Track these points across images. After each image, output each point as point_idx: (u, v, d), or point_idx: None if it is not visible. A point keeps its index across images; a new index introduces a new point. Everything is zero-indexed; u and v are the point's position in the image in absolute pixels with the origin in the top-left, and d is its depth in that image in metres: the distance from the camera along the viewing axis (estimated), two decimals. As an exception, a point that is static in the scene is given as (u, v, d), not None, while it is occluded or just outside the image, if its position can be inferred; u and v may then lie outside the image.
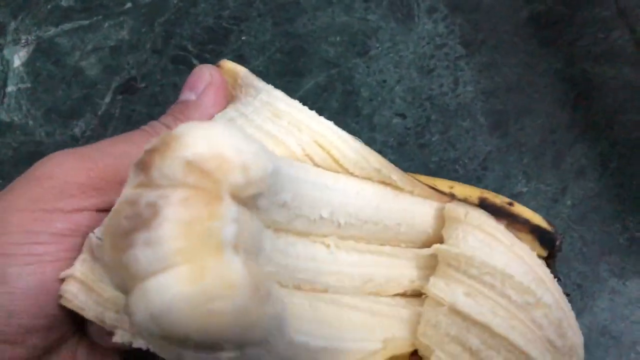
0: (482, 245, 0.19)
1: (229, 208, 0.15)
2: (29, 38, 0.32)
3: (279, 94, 0.21)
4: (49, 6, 0.32)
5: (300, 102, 0.26)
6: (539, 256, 0.21)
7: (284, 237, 0.20)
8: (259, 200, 0.16)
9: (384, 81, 0.27)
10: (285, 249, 0.20)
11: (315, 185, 0.20)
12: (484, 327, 0.19)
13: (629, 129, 0.25)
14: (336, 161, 0.21)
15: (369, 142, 0.24)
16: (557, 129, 0.25)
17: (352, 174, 0.21)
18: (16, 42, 0.32)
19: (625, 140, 0.25)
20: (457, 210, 0.20)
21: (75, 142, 0.28)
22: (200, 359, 0.16)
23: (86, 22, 0.31)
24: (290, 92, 0.26)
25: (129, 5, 0.31)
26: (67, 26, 0.32)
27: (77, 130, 0.29)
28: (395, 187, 0.21)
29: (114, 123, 0.28)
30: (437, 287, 0.19)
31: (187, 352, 0.16)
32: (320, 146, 0.21)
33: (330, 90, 0.27)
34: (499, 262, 0.19)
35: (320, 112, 0.26)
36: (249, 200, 0.16)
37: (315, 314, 0.21)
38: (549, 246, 0.21)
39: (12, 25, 0.32)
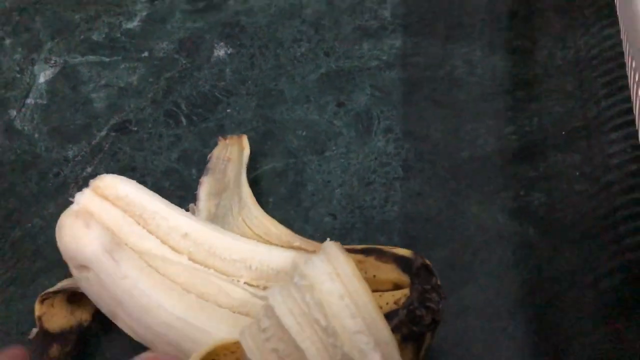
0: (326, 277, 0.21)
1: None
2: (58, 60, 0.36)
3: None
4: (82, 37, 0.36)
5: (254, 181, 0.29)
6: (402, 285, 0.23)
7: None
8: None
9: (329, 182, 0.30)
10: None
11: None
12: (301, 353, 0.21)
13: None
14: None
15: (299, 231, 0.27)
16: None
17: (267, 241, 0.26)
18: (47, 61, 0.36)
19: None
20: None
21: (66, 162, 0.32)
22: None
23: (107, 59, 0.35)
24: (250, 168, 0.30)
25: (145, 54, 0.35)
26: (90, 58, 0.36)
27: (70, 153, 0.32)
28: (299, 248, 0.25)
29: (101, 156, 0.32)
30: (275, 298, 0.21)
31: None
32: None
33: (283, 177, 0.30)
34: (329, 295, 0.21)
35: (268, 195, 0.30)
36: None
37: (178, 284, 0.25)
38: (408, 270, 0.23)
39: (48, 45, 0.36)
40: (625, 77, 0.29)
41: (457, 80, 0.31)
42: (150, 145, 0.32)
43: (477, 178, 0.29)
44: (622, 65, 0.30)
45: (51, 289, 0.26)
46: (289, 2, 0.35)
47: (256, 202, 0.27)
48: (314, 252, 0.24)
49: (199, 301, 0.24)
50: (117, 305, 0.24)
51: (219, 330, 0.24)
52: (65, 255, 0.24)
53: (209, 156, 0.30)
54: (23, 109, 0.34)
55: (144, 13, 0.36)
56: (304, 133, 0.31)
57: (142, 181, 0.30)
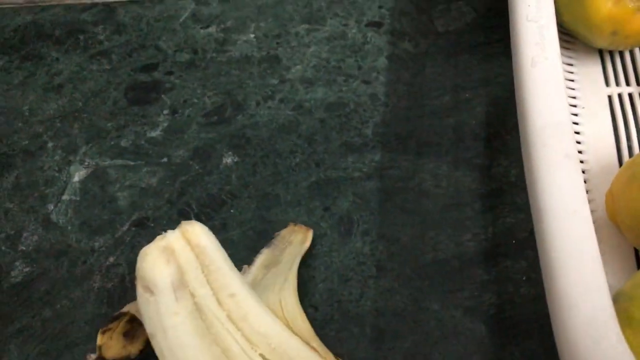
0: None
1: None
2: (91, 162, 0.41)
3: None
4: (112, 142, 0.42)
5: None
6: None
7: None
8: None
9: (313, 277, 0.34)
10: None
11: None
12: None
13: None
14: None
15: (286, 321, 0.32)
16: None
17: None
18: (81, 162, 0.41)
19: None
20: None
21: (92, 252, 0.37)
22: None
23: (132, 163, 0.41)
24: (247, 261, 0.34)
25: (165, 159, 0.41)
26: (118, 162, 0.41)
27: (96, 244, 0.37)
28: (313, 349, 0.29)
29: (123, 247, 0.37)
30: None
31: None
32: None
33: (274, 271, 0.35)
34: None
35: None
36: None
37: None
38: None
39: (83, 149, 0.42)
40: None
41: (425, 191, 0.36)
42: (164, 239, 0.37)
43: (438, 278, 0.33)
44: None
45: (115, 313, 0.32)
46: (287, 119, 0.40)
47: (296, 290, 0.32)
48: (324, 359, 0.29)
49: (221, 356, 0.28)
50: (161, 330, 0.28)
51: None
52: (139, 275, 0.29)
53: (275, 234, 0.35)
54: (59, 204, 0.39)
55: (166, 124, 0.42)
56: (294, 233, 0.36)
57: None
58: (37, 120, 0.43)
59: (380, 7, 0.44)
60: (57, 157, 0.41)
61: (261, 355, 0.29)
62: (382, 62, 0.41)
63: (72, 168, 0.41)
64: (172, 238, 0.29)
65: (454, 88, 0.39)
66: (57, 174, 0.40)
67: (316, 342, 0.30)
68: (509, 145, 0.37)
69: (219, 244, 0.30)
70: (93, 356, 0.31)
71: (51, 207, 0.39)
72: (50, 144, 0.42)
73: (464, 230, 0.34)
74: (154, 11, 0.48)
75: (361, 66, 0.41)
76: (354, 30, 0.43)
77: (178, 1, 0.48)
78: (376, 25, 0.43)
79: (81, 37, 0.47)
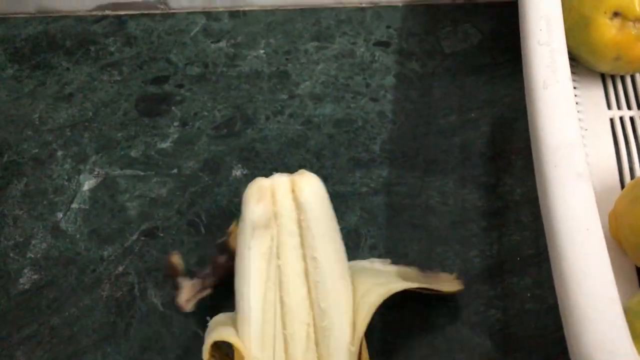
0: None
1: None
2: (100, 172, 0.41)
3: None
4: (122, 153, 0.42)
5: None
6: None
7: None
8: None
9: (322, 290, 0.35)
10: None
11: None
12: None
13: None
14: None
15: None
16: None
17: None
18: (91, 172, 0.41)
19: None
20: None
21: (102, 261, 0.37)
22: None
23: (142, 173, 0.41)
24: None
25: (175, 170, 0.41)
26: (128, 171, 0.41)
27: (105, 253, 0.37)
28: None
29: (132, 257, 0.37)
30: None
31: None
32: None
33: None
34: None
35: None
36: None
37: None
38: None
39: (93, 158, 0.42)
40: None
41: (432, 208, 0.36)
42: (174, 248, 0.37)
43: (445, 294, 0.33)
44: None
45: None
46: (296, 134, 0.41)
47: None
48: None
49: (270, 307, 0.29)
50: (238, 255, 0.30)
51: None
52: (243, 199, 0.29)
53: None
54: (68, 213, 0.39)
55: (176, 135, 0.42)
56: (302, 246, 0.36)
57: (163, 281, 0.35)
58: (47, 129, 0.44)
59: (388, 27, 0.45)
60: (66, 166, 0.41)
61: (307, 325, 0.30)
62: (389, 80, 0.42)
63: (81, 177, 0.41)
64: (278, 181, 0.29)
65: (461, 108, 0.40)
66: (66, 183, 0.41)
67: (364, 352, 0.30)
68: (514, 165, 0.37)
69: (330, 208, 0.30)
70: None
71: (60, 215, 0.39)
72: (60, 153, 0.42)
73: (471, 246, 0.35)
74: (164, 25, 0.48)
75: (369, 84, 0.42)
76: (362, 49, 0.44)
77: (189, 15, 0.49)
78: (384, 44, 0.44)
79: (92, 48, 0.48)
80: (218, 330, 0.30)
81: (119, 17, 0.49)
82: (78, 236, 0.38)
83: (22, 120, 0.44)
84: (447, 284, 0.33)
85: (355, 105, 0.41)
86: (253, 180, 0.29)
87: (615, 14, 0.34)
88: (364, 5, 0.46)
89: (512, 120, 0.39)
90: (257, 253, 0.29)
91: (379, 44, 0.44)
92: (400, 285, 0.31)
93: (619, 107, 0.38)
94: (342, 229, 0.36)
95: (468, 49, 0.42)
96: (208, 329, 0.31)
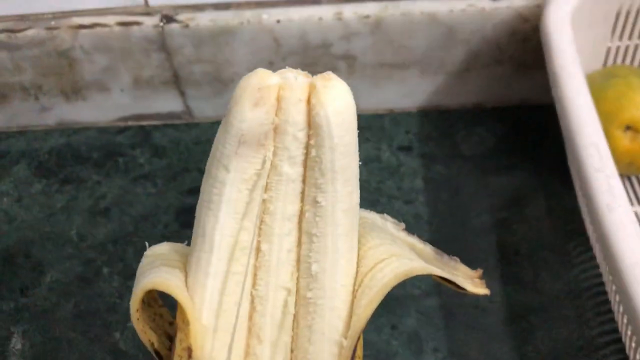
0: None
1: None
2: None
3: None
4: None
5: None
6: None
7: None
8: None
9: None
10: None
11: None
12: None
13: None
14: None
15: None
16: None
17: None
18: (142, 288, 0.42)
19: None
20: None
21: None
22: None
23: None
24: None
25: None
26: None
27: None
28: None
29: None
30: None
31: None
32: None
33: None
34: None
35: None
36: None
37: None
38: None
39: (142, 274, 0.43)
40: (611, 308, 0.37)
41: (482, 307, 0.39)
42: None
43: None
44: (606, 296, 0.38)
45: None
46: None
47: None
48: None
49: (240, 248, 0.22)
50: (207, 172, 0.23)
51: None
52: (233, 96, 0.21)
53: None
54: (126, 332, 0.39)
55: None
56: (366, 352, 0.38)
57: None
58: (87, 246, 0.44)
59: (407, 132, 0.48)
60: (115, 283, 0.42)
61: (287, 291, 0.23)
62: (419, 183, 0.45)
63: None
64: (290, 81, 0.21)
65: (490, 208, 0.43)
66: (118, 301, 0.41)
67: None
68: (549, 260, 0.41)
69: (356, 137, 0.22)
70: None
71: (118, 335, 0.39)
72: (105, 270, 0.42)
73: (524, 342, 0.37)
74: (190, 134, 0.50)
75: (400, 187, 0.45)
76: (387, 154, 0.47)
77: (213, 125, 0.50)
78: (406, 149, 0.47)
79: (120, 160, 0.49)
80: (157, 272, 0.23)
81: (142, 127, 0.51)
82: (141, 355, 0.38)
83: (60, 238, 0.44)
84: (469, 281, 0.28)
85: (390, 208, 0.44)
86: (253, 72, 0.21)
87: (628, 127, 0.39)
88: (380, 112, 0.49)
89: (538, 218, 0.43)
90: (237, 178, 0.21)
91: (401, 148, 0.47)
92: (421, 267, 0.24)
93: (631, 204, 0.42)
94: (402, 333, 0.38)
95: (485, 152, 0.46)
96: (142, 266, 0.24)
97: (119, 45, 0.45)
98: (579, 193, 0.38)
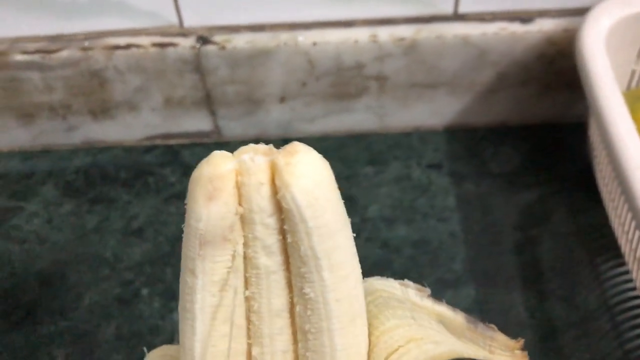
0: None
1: None
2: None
3: None
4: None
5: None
6: None
7: None
8: None
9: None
10: None
11: None
12: None
13: None
14: None
15: None
16: None
17: None
18: (184, 309, 0.42)
19: None
20: None
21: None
22: None
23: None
24: None
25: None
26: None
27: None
28: None
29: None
30: None
31: None
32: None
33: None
34: None
35: None
36: None
37: None
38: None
39: (182, 294, 0.43)
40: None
41: (523, 322, 0.40)
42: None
43: (557, 404, 0.37)
44: None
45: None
46: (378, 257, 0.44)
47: None
48: None
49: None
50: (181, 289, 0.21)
51: None
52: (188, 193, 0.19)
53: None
54: (171, 353, 0.40)
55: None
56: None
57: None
58: (124, 267, 0.44)
59: (435, 150, 0.50)
60: (156, 305, 0.42)
61: None
62: (451, 201, 0.46)
63: (174, 315, 0.41)
64: (247, 164, 0.18)
65: (522, 226, 0.45)
66: (160, 322, 0.41)
67: None
68: (581, 275, 0.42)
69: (338, 209, 0.19)
70: None
71: (163, 357, 0.39)
72: (144, 291, 0.43)
73: (566, 356, 0.39)
74: (220, 153, 0.50)
75: (433, 205, 0.46)
76: (417, 172, 0.48)
77: (241, 144, 0.51)
78: (436, 167, 0.49)
79: (150, 179, 0.49)
80: None
81: (170, 146, 0.51)
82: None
83: (94, 259, 0.44)
84: (509, 353, 0.25)
85: (426, 226, 0.45)
86: (202, 162, 0.19)
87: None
88: (408, 130, 0.51)
89: (567, 235, 0.44)
90: (206, 281, 0.19)
91: (431, 166, 0.49)
92: (447, 352, 0.22)
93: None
94: (448, 349, 0.39)
95: (513, 170, 0.48)
96: None
97: (153, 66, 0.45)
98: (616, 212, 0.39)
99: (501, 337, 0.26)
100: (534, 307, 0.41)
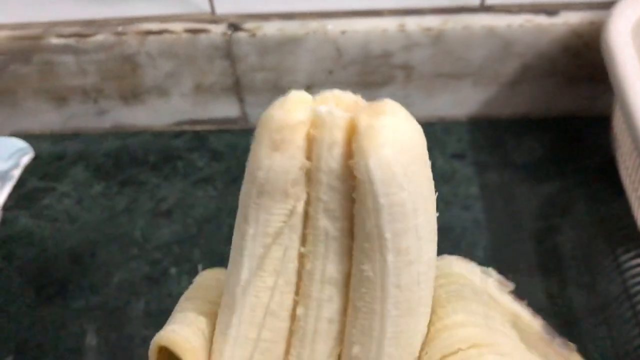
0: None
1: None
2: (221, 288, 0.43)
3: None
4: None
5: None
6: None
7: None
8: None
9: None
10: None
11: None
12: None
13: None
14: None
15: None
16: None
17: None
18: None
19: None
20: None
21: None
22: None
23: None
24: None
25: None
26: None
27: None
28: None
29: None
30: None
31: None
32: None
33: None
34: None
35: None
36: None
37: None
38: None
39: (210, 274, 0.44)
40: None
41: (545, 309, 0.41)
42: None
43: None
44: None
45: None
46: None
47: None
48: None
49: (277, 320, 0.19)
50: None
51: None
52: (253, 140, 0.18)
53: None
54: None
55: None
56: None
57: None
58: (152, 247, 0.45)
59: (458, 140, 0.50)
60: (184, 283, 0.43)
61: (334, 355, 0.19)
62: (474, 190, 0.47)
63: (202, 294, 0.42)
64: (324, 117, 0.16)
65: (544, 215, 0.45)
66: (188, 300, 0.42)
67: None
68: (602, 264, 0.43)
69: (420, 185, 0.18)
70: None
71: (191, 333, 0.40)
72: (173, 270, 0.44)
73: (587, 341, 0.39)
74: (246, 140, 0.51)
75: (456, 194, 0.47)
76: (440, 161, 0.49)
77: (268, 131, 0.52)
78: (459, 156, 0.49)
79: (179, 163, 0.50)
80: (180, 321, 0.21)
81: (197, 132, 0.52)
82: (216, 354, 0.39)
83: (124, 239, 0.46)
84: None
85: (449, 214, 0.46)
86: (276, 102, 0.17)
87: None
88: (432, 120, 0.51)
89: (589, 224, 0.45)
90: (259, 231, 0.18)
91: (454, 156, 0.49)
92: None
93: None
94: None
95: (535, 161, 0.48)
96: (184, 295, 0.23)
97: (184, 52, 0.46)
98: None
99: (576, 356, 0.23)
100: (554, 293, 0.41)
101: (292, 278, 0.19)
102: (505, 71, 0.48)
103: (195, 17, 0.46)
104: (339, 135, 0.16)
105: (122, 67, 0.47)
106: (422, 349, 0.19)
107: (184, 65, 0.47)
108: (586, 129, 0.50)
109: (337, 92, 0.17)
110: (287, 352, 0.19)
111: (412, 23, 0.45)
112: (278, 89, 0.49)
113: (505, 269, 0.43)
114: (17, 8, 0.46)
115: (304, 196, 0.17)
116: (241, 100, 0.50)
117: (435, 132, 0.51)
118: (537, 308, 0.40)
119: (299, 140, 0.17)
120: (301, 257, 0.18)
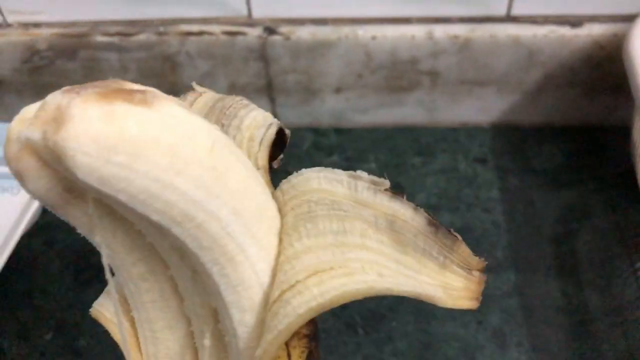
0: None
1: None
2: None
3: None
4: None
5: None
6: None
7: None
8: None
9: (482, 384, 0.40)
10: None
11: None
12: None
13: None
14: None
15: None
16: None
17: None
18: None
19: None
20: None
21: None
22: None
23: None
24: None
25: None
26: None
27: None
28: None
29: None
30: None
31: None
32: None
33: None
34: None
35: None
36: None
37: None
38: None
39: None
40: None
41: (561, 308, 0.42)
42: (337, 349, 0.41)
43: (590, 384, 0.39)
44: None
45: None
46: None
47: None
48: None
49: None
50: None
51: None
52: None
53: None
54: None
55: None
56: (455, 344, 0.41)
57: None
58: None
59: (480, 145, 0.52)
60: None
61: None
62: (495, 193, 0.49)
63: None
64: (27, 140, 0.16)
65: (563, 219, 0.47)
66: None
67: None
68: (618, 269, 0.44)
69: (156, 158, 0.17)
70: None
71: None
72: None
73: (602, 341, 0.41)
74: (276, 139, 0.53)
75: (478, 196, 0.49)
76: (463, 165, 0.51)
77: (297, 131, 0.54)
78: (481, 161, 0.51)
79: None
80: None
81: (229, 130, 0.54)
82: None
83: (158, 228, 0.48)
84: (464, 272, 0.21)
85: (470, 215, 0.47)
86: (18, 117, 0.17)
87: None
88: (455, 125, 0.53)
89: (607, 230, 0.46)
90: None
91: (477, 160, 0.51)
92: (367, 288, 0.18)
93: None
94: (487, 328, 0.42)
95: (556, 168, 0.50)
96: None
97: (221, 53, 0.49)
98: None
99: (463, 251, 0.21)
100: (571, 295, 0.43)
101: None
102: (529, 80, 0.49)
103: (233, 20, 0.48)
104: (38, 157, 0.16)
105: (162, 65, 0.50)
106: (270, 290, 0.19)
107: (220, 65, 0.49)
108: (606, 138, 0.51)
109: (29, 109, 0.17)
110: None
111: (440, 30, 0.47)
112: (308, 91, 0.51)
113: (523, 269, 0.44)
114: (65, 7, 0.49)
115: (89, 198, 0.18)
116: (272, 101, 0.52)
117: (459, 137, 0.53)
118: (553, 307, 0.42)
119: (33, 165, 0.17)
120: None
